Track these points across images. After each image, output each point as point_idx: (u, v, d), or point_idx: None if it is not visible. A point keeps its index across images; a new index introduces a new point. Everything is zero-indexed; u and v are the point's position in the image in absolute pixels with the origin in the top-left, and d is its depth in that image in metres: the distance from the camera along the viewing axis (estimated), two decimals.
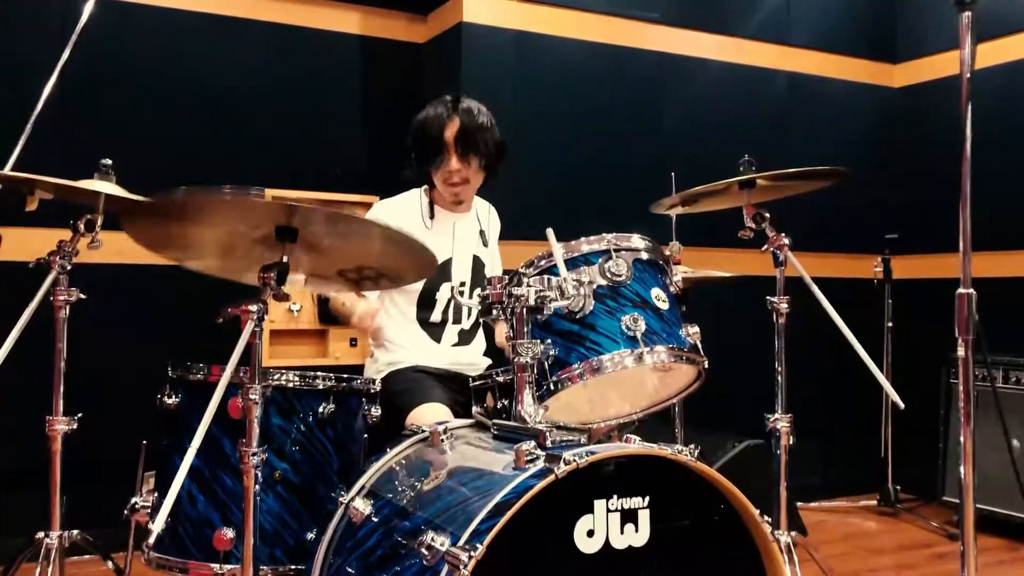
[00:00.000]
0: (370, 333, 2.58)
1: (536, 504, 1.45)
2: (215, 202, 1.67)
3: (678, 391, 2.18)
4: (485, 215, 2.77)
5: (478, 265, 2.67)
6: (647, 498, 1.59)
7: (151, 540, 2.02)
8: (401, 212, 2.61)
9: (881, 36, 4.74)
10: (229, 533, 1.96)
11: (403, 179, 2.67)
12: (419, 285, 2.55)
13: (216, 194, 1.61)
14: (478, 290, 2.63)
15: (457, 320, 2.63)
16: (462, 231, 2.66)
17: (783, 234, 2.48)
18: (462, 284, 2.62)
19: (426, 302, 2.59)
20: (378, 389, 2.23)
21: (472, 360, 2.64)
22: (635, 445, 1.64)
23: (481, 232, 2.71)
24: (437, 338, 2.60)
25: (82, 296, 2.27)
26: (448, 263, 2.60)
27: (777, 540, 1.75)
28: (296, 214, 1.65)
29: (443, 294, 2.59)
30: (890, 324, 4.18)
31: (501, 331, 2.61)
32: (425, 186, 2.67)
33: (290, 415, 2.06)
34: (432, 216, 2.62)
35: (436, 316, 2.60)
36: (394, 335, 2.60)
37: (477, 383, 2.18)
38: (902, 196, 4.63)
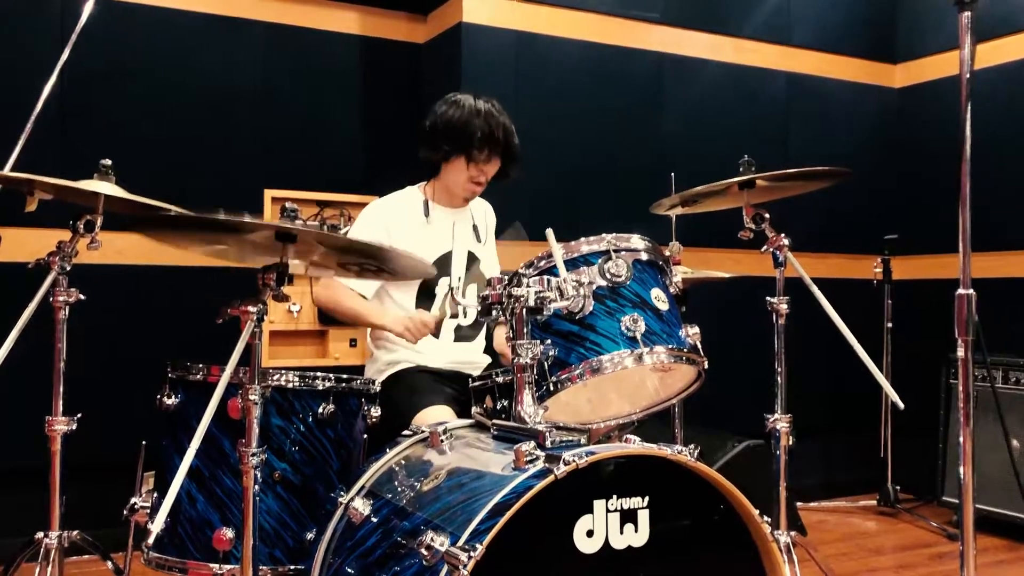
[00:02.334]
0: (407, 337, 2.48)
1: (535, 504, 1.45)
2: (204, 224, 1.66)
3: (678, 391, 2.18)
4: (480, 212, 2.79)
5: (472, 261, 2.68)
6: (647, 498, 1.59)
7: (150, 540, 2.02)
8: (397, 210, 2.61)
9: (881, 36, 4.74)
10: (229, 533, 1.96)
11: (422, 159, 2.66)
12: (417, 281, 2.56)
13: (205, 218, 1.61)
14: (473, 286, 2.64)
15: (454, 315, 2.63)
16: (459, 227, 2.68)
17: (783, 235, 2.48)
18: (458, 279, 2.63)
19: (425, 296, 2.59)
20: (378, 389, 2.24)
21: (472, 359, 2.64)
22: (635, 445, 1.64)
23: (475, 227, 2.72)
24: (436, 333, 2.61)
25: (82, 296, 2.27)
26: (446, 259, 2.61)
27: (777, 540, 1.75)
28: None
29: (441, 289, 2.59)
30: (890, 324, 4.17)
31: (500, 334, 2.62)
32: (421, 183, 2.68)
33: (290, 415, 2.06)
34: (428, 213, 2.63)
35: (434, 311, 2.60)
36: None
37: (477, 384, 2.18)
38: (902, 196, 4.63)
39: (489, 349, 2.72)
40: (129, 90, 3.46)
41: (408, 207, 2.64)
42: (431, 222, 2.62)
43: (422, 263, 1.99)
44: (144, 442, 2.18)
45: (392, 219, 2.58)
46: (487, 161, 2.57)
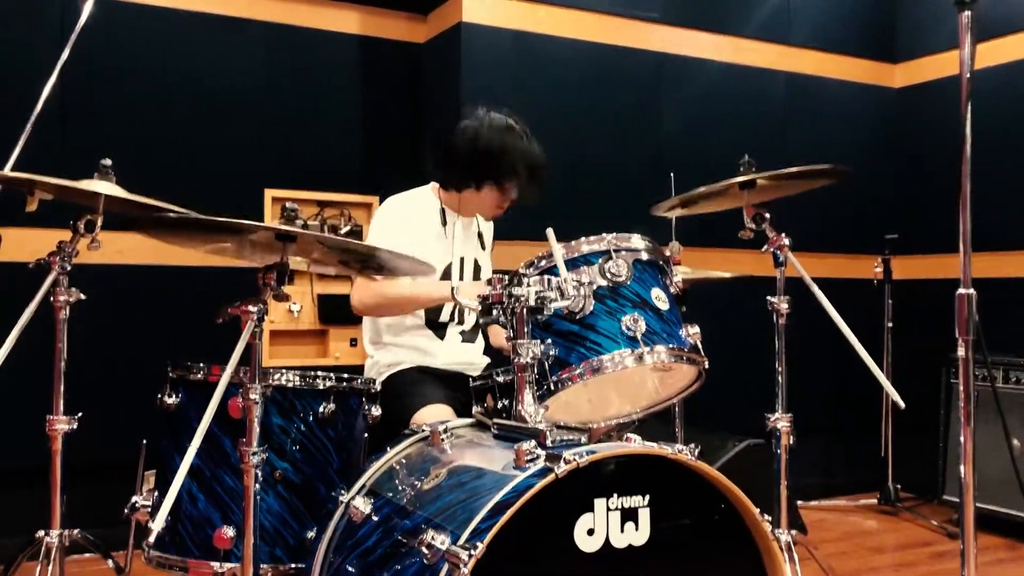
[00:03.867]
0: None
1: (536, 503, 1.46)
2: (206, 226, 1.66)
3: (678, 391, 2.18)
4: (482, 219, 2.78)
5: (477, 268, 2.69)
6: (647, 497, 1.59)
7: (151, 539, 2.03)
8: (415, 211, 2.60)
9: (881, 36, 4.74)
10: (229, 532, 1.96)
11: (428, 176, 2.65)
12: None
13: (206, 220, 1.61)
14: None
15: (460, 321, 2.64)
16: (468, 235, 2.69)
17: (783, 234, 2.47)
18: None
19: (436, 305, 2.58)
20: (378, 389, 2.24)
21: (472, 360, 2.64)
22: (635, 444, 1.64)
23: (479, 235, 2.72)
24: (441, 336, 2.61)
25: (82, 296, 2.27)
26: (460, 264, 2.61)
27: (777, 539, 1.76)
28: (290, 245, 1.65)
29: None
30: (890, 324, 4.17)
31: (498, 333, 2.62)
32: (433, 184, 2.67)
33: (290, 415, 2.06)
34: (445, 222, 2.62)
35: (444, 317, 2.61)
36: (396, 335, 2.59)
37: (477, 383, 2.18)
38: (902, 196, 4.63)
39: (488, 350, 2.73)
40: (129, 90, 3.46)
41: (426, 211, 2.62)
42: (447, 230, 2.62)
43: (423, 264, 1.99)
44: (144, 441, 2.18)
45: (411, 219, 2.58)
46: (511, 191, 2.59)
